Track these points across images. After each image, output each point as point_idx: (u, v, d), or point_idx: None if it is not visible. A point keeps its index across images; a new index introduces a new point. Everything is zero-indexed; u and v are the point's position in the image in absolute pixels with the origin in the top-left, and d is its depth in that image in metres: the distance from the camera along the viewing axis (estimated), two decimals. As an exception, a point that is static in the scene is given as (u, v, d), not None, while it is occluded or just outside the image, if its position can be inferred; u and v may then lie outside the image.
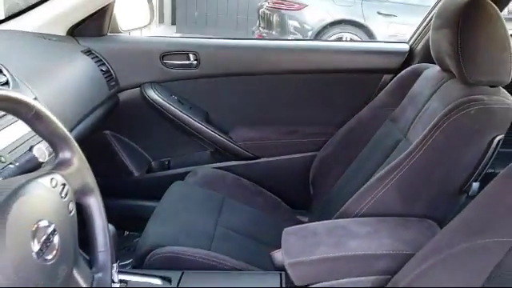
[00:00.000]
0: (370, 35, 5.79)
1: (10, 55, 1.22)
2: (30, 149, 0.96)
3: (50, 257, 0.59)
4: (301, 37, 6.09)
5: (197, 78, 1.74)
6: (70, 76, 1.41)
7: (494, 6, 1.11)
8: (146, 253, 1.21)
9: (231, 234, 1.38)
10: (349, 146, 1.54)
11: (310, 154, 1.69)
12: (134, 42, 1.79)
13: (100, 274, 0.74)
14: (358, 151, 1.49)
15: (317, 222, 1.09)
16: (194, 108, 1.78)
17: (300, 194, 1.68)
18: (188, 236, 1.28)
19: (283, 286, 1.07)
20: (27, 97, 0.65)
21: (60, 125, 0.71)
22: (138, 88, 1.72)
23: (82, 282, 0.69)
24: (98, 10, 1.60)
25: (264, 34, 6.37)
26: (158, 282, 1.08)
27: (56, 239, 0.61)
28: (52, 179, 0.66)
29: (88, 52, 1.59)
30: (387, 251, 0.95)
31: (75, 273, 0.68)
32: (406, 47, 1.71)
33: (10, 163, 0.86)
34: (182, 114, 1.73)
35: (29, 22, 1.51)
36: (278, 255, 1.04)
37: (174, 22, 8.48)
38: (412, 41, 1.71)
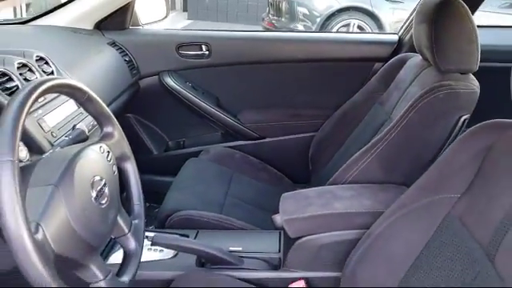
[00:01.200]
0: (377, 22, 5.87)
1: (50, 48, 1.42)
2: (73, 127, 1.18)
3: (103, 202, 0.81)
4: (310, 23, 6.18)
5: (209, 67, 1.94)
6: (99, 65, 1.62)
7: (464, 4, 1.27)
8: (166, 216, 1.43)
9: (239, 202, 1.59)
10: (343, 127, 1.72)
11: (309, 134, 1.89)
12: (153, 35, 1.99)
13: (136, 221, 0.95)
14: (351, 131, 1.67)
15: (309, 189, 1.29)
16: (206, 93, 1.99)
17: (300, 170, 1.87)
18: (202, 203, 1.49)
19: (281, 240, 1.28)
20: (82, 84, 0.87)
21: (105, 106, 0.92)
22: (157, 76, 1.92)
23: (123, 226, 0.91)
24: (121, 6, 1.80)
25: (273, 21, 6.45)
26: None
27: (106, 190, 0.83)
28: (100, 147, 0.87)
29: (113, 44, 1.80)
30: (366, 210, 1.15)
31: (119, 218, 0.90)
32: (395, 38, 1.88)
33: (65, 136, 1.08)
34: (195, 98, 1.93)
35: (61, 18, 1.71)
36: (278, 218, 1.23)
37: (185, 9, 8.58)
38: (401, 32, 1.88)
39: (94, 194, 0.79)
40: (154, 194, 1.80)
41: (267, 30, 6.32)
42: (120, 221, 0.90)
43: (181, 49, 1.91)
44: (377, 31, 5.64)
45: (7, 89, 1.07)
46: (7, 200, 0.62)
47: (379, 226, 1.05)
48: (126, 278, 0.86)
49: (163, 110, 2.00)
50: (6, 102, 0.99)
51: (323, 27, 5.98)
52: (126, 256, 0.91)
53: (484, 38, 1.31)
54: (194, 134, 2.05)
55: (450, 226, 0.92)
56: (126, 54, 1.82)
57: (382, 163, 1.29)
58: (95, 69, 1.57)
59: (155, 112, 2.00)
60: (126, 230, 0.91)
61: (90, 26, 1.81)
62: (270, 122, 1.96)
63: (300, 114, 1.95)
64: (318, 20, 6.08)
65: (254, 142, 1.98)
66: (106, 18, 1.82)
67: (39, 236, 0.66)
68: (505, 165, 0.84)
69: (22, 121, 0.67)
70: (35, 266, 0.63)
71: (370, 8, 5.92)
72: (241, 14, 8.17)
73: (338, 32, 5.55)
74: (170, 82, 1.91)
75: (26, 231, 0.62)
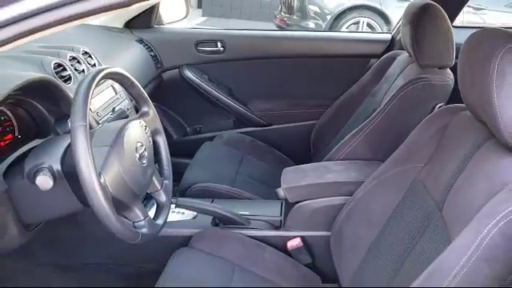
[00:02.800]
0: (386, 19, 6.03)
1: (91, 43, 1.68)
2: (113, 109, 1.44)
3: (144, 162, 1.06)
4: (320, 21, 6.36)
5: (223, 61, 2.20)
6: (129, 59, 1.88)
7: (441, 9, 1.49)
8: (186, 187, 1.68)
9: (248, 179, 1.84)
10: (340, 116, 1.95)
11: (311, 122, 2.12)
12: (175, 33, 2.24)
13: (166, 181, 1.21)
14: (347, 119, 1.90)
15: (307, 164, 1.54)
16: (220, 85, 2.24)
17: (302, 153, 2.11)
18: (216, 178, 1.74)
19: (282, 207, 1.53)
20: (127, 73, 1.12)
21: (143, 90, 1.18)
22: (178, 69, 2.18)
23: (157, 184, 1.16)
24: (147, 8, 2.06)
25: (285, 19, 6.63)
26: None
27: (146, 154, 1.08)
28: (140, 122, 1.13)
29: (140, 41, 2.06)
30: (352, 180, 1.39)
31: (154, 177, 1.15)
32: (388, 37, 2.11)
33: (111, 114, 1.34)
34: (211, 89, 2.19)
35: (97, 18, 1.97)
36: (281, 190, 1.48)
37: (200, 6, 8.81)
38: (394, 31, 2.11)
39: (137, 156, 1.04)
40: (173, 174, 2.06)
41: (279, 26, 6.53)
42: (154, 180, 1.16)
43: (199, 45, 2.17)
44: (386, 28, 5.83)
45: (62, 77, 1.33)
46: (82, 154, 0.87)
47: (361, 191, 1.29)
48: (159, 222, 1.12)
49: (182, 100, 2.25)
50: (61, 85, 1.24)
51: (333, 25, 6.15)
52: (159, 207, 1.17)
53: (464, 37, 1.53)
54: (209, 121, 2.31)
55: (414, 188, 1.16)
56: (152, 50, 2.08)
57: (368, 143, 1.52)
58: (126, 62, 1.83)
59: (175, 101, 2.25)
60: (159, 187, 1.17)
61: (120, 24, 2.08)
62: (276, 111, 2.21)
63: (303, 104, 2.19)
64: (329, 17, 6.27)
65: (262, 128, 2.23)
66: (134, 18, 2.08)
67: (102, 181, 0.92)
68: (455, 138, 1.07)
69: (89, 97, 0.92)
70: (101, 201, 0.88)
71: (378, 6, 6.09)
72: (254, 11, 8.32)
73: (340, 31, 5.72)
74: (189, 74, 2.17)
75: (95, 176, 0.87)
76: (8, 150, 1.12)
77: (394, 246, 1.13)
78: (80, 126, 0.88)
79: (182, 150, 2.24)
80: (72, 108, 0.90)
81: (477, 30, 0.96)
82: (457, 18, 2.00)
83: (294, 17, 6.53)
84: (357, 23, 6.19)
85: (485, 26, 2.64)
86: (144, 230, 1.02)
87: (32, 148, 1.09)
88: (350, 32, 5.42)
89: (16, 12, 0.64)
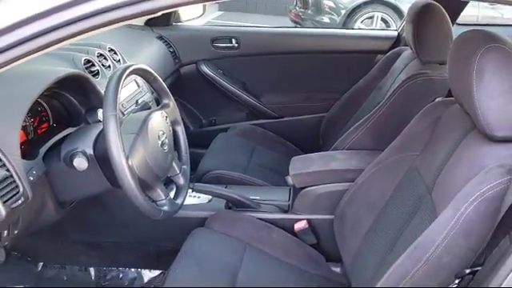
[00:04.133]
0: (400, 14, 6.07)
1: (115, 40, 1.81)
2: (136, 102, 1.58)
3: (165, 148, 1.19)
4: (335, 15, 6.41)
5: (237, 57, 2.32)
6: (150, 55, 2.01)
7: (441, 7, 1.59)
8: (202, 174, 1.82)
9: (259, 167, 1.96)
10: (348, 108, 2.05)
11: (320, 114, 2.23)
12: (192, 30, 2.38)
13: (185, 166, 1.34)
14: (355, 112, 2.00)
15: (314, 153, 1.65)
16: (234, 79, 2.36)
17: (312, 144, 2.21)
18: (230, 166, 1.87)
19: (291, 193, 1.65)
20: (150, 68, 1.25)
21: (164, 84, 1.31)
22: (194, 64, 2.31)
23: (176, 168, 1.30)
24: (167, 6, 2.18)
25: (300, 13, 6.70)
26: (210, 188, 1.67)
27: (167, 141, 1.21)
28: (161, 112, 1.26)
29: (160, 37, 2.19)
30: (354, 167, 1.50)
31: (174, 162, 1.28)
32: (394, 34, 2.21)
33: (134, 106, 1.48)
34: (226, 83, 2.32)
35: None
36: (289, 178, 1.60)
37: (216, 1, 8.92)
38: (400, 28, 2.20)
39: (159, 142, 1.17)
40: (190, 162, 2.20)
41: (293, 21, 6.61)
42: (174, 165, 1.29)
43: (214, 42, 2.30)
44: (400, 22, 5.86)
45: (91, 72, 1.47)
46: (113, 139, 1.00)
47: (362, 178, 1.41)
48: (178, 201, 1.25)
49: (199, 93, 2.38)
50: (91, 79, 1.38)
51: (348, 19, 6.20)
52: (178, 188, 1.30)
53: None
54: (223, 113, 2.44)
55: (410, 175, 1.27)
56: (171, 46, 2.22)
57: (371, 134, 1.63)
58: (147, 57, 1.96)
59: (192, 94, 2.39)
60: (178, 171, 1.30)
61: (141, 22, 2.22)
62: (287, 104, 2.33)
63: (313, 97, 2.31)
64: (343, 12, 6.32)
65: (273, 120, 2.36)
66: (154, 16, 2.21)
67: (129, 163, 1.05)
68: (446, 129, 1.18)
69: (119, 90, 1.05)
70: (129, 180, 1.02)
71: (392, 1, 6.12)
72: (270, 6, 8.40)
73: (349, 28, 5.77)
74: (205, 69, 2.30)
75: (124, 159, 1.01)
76: (44, 137, 1.26)
77: (390, 226, 1.24)
78: (111, 115, 1.02)
79: (199, 140, 2.37)
80: (104, 100, 1.03)
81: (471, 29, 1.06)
82: (473, 14, 2.08)
83: (309, 11, 6.59)
84: (371, 18, 6.23)
85: (497, 22, 2.69)
86: (165, 208, 1.15)
87: (66, 135, 1.24)
88: (358, 29, 5.49)
89: (73, 15, 0.77)
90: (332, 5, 6.45)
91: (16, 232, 1.07)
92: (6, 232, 1.02)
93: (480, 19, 5.41)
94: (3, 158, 0.99)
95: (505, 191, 0.85)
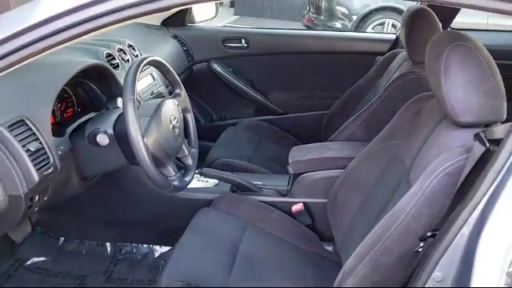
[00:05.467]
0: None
1: (133, 37, 1.99)
2: (152, 92, 1.75)
3: (176, 131, 1.36)
4: (347, 21, 6.53)
5: (246, 56, 2.49)
6: (166, 52, 2.18)
7: (432, 13, 1.73)
8: (211, 162, 1.98)
9: (263, 158, 2.11)
10: (348, 106, 2.19)
11: (322, 111, 2.37)
12: (205, 30, 2.56)
13: (193, 149, 1.50)
14: (354, 109, 2.14)
15: (311, 144, 1.80)
16: (243, 77, 2.53)
17: (314, 139, 2.32)
18: (236, 155, 2.02)
19: (290, 180, 1.80)
20: (164, 61, 1.42)
21: (177, 76, 1.47)
22: (206, 62, 2.49)
23: (186, 150, 1.46)
24: (182, 8, 2.36)
25: (313, 19, 6.83)
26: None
27: (177, 125, 1.37)
28: (173, 100, 1.42)
29: (175, 37, 2.37)
30: (346, 156, 1.64)
31: (183, 145, 1.45)
32: (392, 36, 2.35)
33: (150, 96, 1.65)
34: (235, 81, 2.49)
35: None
36: (290, 167, 1.76)
37: (232, 5, 9.12)
38: (398, 32, 2.34)
39: (171, 126, 1.34)
40: (199, 155, 2.36)
41: (307, 26, 6.75)
42: (184, 147, 1.45)
43: (225, 42, 2.47)
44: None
45: (112, 64, 1.65)
46: (131, 120, 1.17)
47: (352, 164, 1.55)
48: (187, 179, 1.41)
49: (210, 90, 2.55)
50: (112, 70, 1.56)
51: (359, 25, 6.32)
52: (186, 168, 1.46)
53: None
54: (233, 109, 2.61)
55: (394, 160, 1.41)
56: (184, 45, 2.39)
57: (365, 127, 1.77)
58: (163, 54, 2.12)
59: (204, 91, 2.55)
60: (187, 153, 1.46)
61: (158, 22, 2.40)
62: (292, 101, 2.49)
63: (316, 95, 2.46)
64: (355, 18, 6.44)
65: (279, 116, 2.52)
66: (170, 17, 2.40)
67: (145, 141, 1.21)
68: (425, 119, 1.32)
69: (137, 78, 1.22)
70: (144, 156, 1.18)
71: (403, 7, 6.22)
72: (284, 11, 8.55)
73: (350, 31, 5.87)
74: (216, 67, 2.48)
75: (140, 136, 1.17)
76: (69, 121, 1.43)
77: (375, 206, 1.38)
78: (130, 99, 1.18)
79: (209, 134, 2.53)
80: (124, 86, 1.20)
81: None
82: (483, 21, 2.19)
83: (322, 17, 6.70)
84: (382, 24, 6.35)
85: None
86: (175, 183, 1.31)
87: (89, 118, 1.41)
88: (358, 32, 5.60)
89: (94, 12, 0.93)
90: (345, 11, 6.55)
91: (45, 198, 1.24)
92: (37, 197, 1.19)
93: (489, 25, 5.51)
94: (37, 133, 1.17)
95: (463, 167, 0.99)
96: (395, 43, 2.33)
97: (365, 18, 6.37)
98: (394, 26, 6.21)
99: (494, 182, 0.86)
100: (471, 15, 2.16)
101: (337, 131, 1.84)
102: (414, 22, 1.73)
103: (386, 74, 2.03)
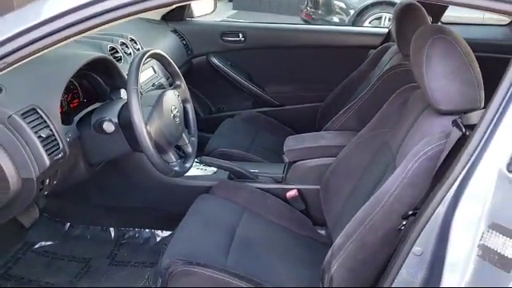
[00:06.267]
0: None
1: (135, 32, 2.07)
2: (153, 84, 1.83)
3: (177, 120, 1.44)
4: (344, 15, 6.60)
5: (244, 50, 2.57)
6: (166, 46, 2.26)
7: (422, 7, 1.80)
8: (210, 151, 2.07)
9: (260, 148, 2.20)
10: (342, 97, 2.27)
11: (317, 103, 2.46)
12: (203, 25, 2.64)
13: (193, 138, 1.59)
14: (347, 101, 2.23)
15: (306, 133, 1.89)
16: (241, 70, 2.61)
17: (310, 130, 2.41)
18: (234, 145, 2.11)
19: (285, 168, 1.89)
20: (165, 54, 1.50)
21: (177, 68, 1.55)
22: (205, 56, 2.57)
23: (186, 139, 1.54)
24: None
25: (310, 13, 6.88)
26: (215, 162, 1.92)
27: (178, 114, 1.46)
28: (174, 91, 1.50)
29: (174, 31, 2.45)
30: (339, 144, 1.73)
31: (183, 134, 1.53)
32: (385, 30, 2.43)
33: (151, 87, 1.73)
34: (233, 74, 2.57)
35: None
36: (285, 156, 1.84)
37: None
38: (390, 26, 2.42)
39: (172, 115, 1.42)
40: (199, 145, 2.45)
41: (304, 20, 6.82)
42: (184, 136, 1.54)
43: (223, 36, 2.56)
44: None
45: (115, 57, 1.72)
46: (135, 108, 1.25)
47: (343, 152, 1.64)
48: (187, 165, 1.50)
49: (209, 83, 2.63)
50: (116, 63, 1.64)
51: (356, 19, 6.37)
52: (186, 155, 1.55)
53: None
54: (231, 102, 2.69)
55: (382, 148, 1.49)
56: (184, 39, 2.47)
57: (357, 117, 1.86)
58: (163, 48, 2.17)
59: (203, 83, 2.63)
60: (187, 141, 1.55)
61: (157, 17, 2.48)
62: (287, 94, 2.58)
63: (311, 88, 2.55)
64: (352, 12, 6.50)
65: (275, 108, 2.60)
66: (169, 12, 2.48)
67: (148, 128, 1.29)
68: (410, 108, 1.40)
69: (140, 69, 1.30)
70: (147, 142, 1.26)
71: (400, 2, 6.27)
72: (283, 5, 8.58)
73: (344, 25, 5.94)
74: (214, 61, 2.56)
75: (143, 124, 1.26)
76: (75, 110, 1.52)
77: (364, 191, 1.47)
78: (134, 89, 1.27)
79: (208, 125, 2.62)
80: (128, 76, 1.29)
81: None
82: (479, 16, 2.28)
83: (319, 11, 6.75)
84: (379, 18, 6.41)
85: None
86: (176, 168, 1.40)
87: (95, 108, 1.49)
88: (352, 26, 5.67)
89: (101, 8, 1.02)
90: (342, 5, 6.60)
91: (55, 182, 1.32)
92: (47, 181, 1.27)
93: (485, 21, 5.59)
94: (47, 121, 1.25)
95: (442, 151, 1.07)
96: (387, 37, 2.41)
97: (362, 12, 6.42)
98: (390, 20, 6.26)
99: (467, 164, 0.95)
100: (468, 10, 2.25)
101: (330, 121, 1.92)
102: (404, 16, 1.81)
103: (377, 66, 2.11)
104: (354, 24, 6.25)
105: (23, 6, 1.06)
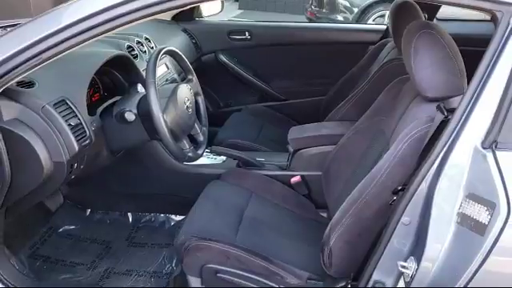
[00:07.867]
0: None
1: (148, 31, 2.22)
2: (166, 79, 1.98)
3: (190, 111, 1.59)
4: (348, 14, 6.69)
5: (250, 48, 2.72)
6: (177, 45, 2.39)
7: (416, 5, 1.93)
8: (220, 142, 2.20)
9: (266, 139, 2.33)
10: (343, 91, 2.39)
11: (320, 97, 2.59)
12: (211, 24, 2.79)
13: (204, 128, 1.73)
14: (348, 94, 2.36)
15: (308, 124, 2.03)
16: (248, 67, 2.75)
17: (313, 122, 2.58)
18: (242, 136, 2.25)
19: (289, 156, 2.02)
20: (179, 51, 1.64)
21: (189, 64, 1.70)
22: (213, 54, 2.71)
23: (197, 128, 1.69)
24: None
25: (315, 12, 6.99)
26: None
27: (190, 106, 1.60)
28: (187, 85, 1.65)
29: (184, 30, 2.59)
30: (339, 133, 1.86)
31: (195, 124, 1.67)
32: (383, 27, 2.56)
33: (165, 82, 1.88)
34: (240, 70, 2.71)
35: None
36: (290, 146, 1.98)
37: (236, -1, 9.30)
38: (389, 23, 2.55)
39: (185, 106, 1.56)
40: (209, 138, 2.58)
41: (309, 19, 6.93)
42: (196, 126, 1.68)
43: (231, 34, 2.70)
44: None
45: (131, 55, 1.87)
46: (153, 99, 1.39)
47: (343, 140, 1.77)
48: (199, 152, 1.64)
49: (217, 79, 2.77)
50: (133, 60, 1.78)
51: (360, 17, 6.46)
52: (198, 143, 1.69)
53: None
54: (238, 96, 2.84)
55: (378, 134, 1.62)
56: (193, 38, 2.62)
57: (356, 107, 1.99)
58: (175, 47, 2.32)
59: (212, 80, 2.76)
60: (199, 130, 1.69)
61: (168, 17, 2.63)
62: (292, 88, 2.73)
63: (314, 82, 2.69)
64: (356, 10, 6.59)
65: (280, 102, 2.75)
66: (179, 12, 2.62)
67: (164, 117, 1.44)
68: (403, 97, 1.53)
69: (157, 63, 1.45)
70: (165, 130, 1.41)
71: None
72: (288, 4, 8.66)
73: (345, 23, 6.03)
74: (222, 58, 2.71)
75: (161, 113, 1.40)
76: (97, 103, 1.66)
77: (362, 175, 1.58)
78: (152, 81, 1.41)
79: (217, 119, 2.75)
80: (146, 70, 1.43)
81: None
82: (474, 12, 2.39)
83: (324, 10, 6.83)
84: (383, 16, 6.50)
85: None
86: (190, 154, 1.54)
87: (115, 101, 1.64)
88: (352, 24, 5.76)
89: (124, 10, 1.16)
90: (346, 4, 6.68)
91: (81, 167, 1.47)
92: (75, 165, 1.42)
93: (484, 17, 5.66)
94: (76, 111, 1.40)
95: (428, 132, 1.21)
96: (386, 33, 2.54)
97: (365, 10, 6.50)
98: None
99: (446, 142, 1.08)
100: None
101: (332, 112, 2.06)
102: (399, 14, 1.94)
103: (376, 61, 2.24)
104: (357, 22, 6.34)
105: (59, 7, 1.20)
